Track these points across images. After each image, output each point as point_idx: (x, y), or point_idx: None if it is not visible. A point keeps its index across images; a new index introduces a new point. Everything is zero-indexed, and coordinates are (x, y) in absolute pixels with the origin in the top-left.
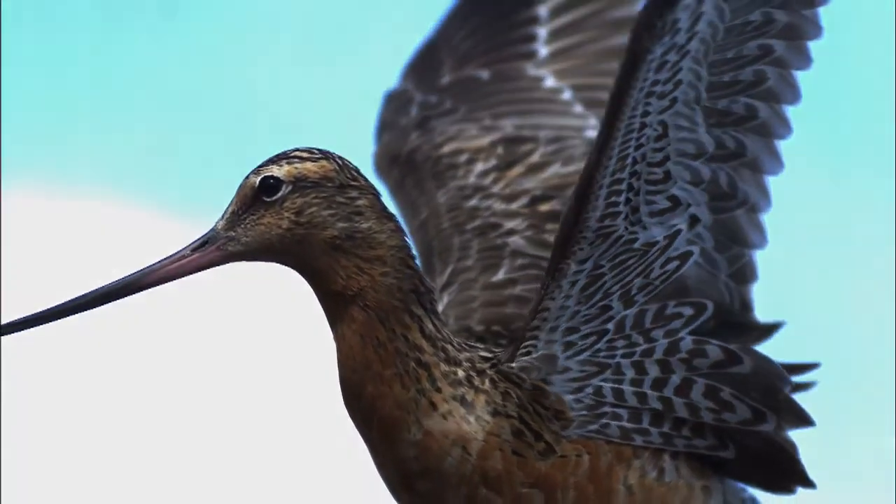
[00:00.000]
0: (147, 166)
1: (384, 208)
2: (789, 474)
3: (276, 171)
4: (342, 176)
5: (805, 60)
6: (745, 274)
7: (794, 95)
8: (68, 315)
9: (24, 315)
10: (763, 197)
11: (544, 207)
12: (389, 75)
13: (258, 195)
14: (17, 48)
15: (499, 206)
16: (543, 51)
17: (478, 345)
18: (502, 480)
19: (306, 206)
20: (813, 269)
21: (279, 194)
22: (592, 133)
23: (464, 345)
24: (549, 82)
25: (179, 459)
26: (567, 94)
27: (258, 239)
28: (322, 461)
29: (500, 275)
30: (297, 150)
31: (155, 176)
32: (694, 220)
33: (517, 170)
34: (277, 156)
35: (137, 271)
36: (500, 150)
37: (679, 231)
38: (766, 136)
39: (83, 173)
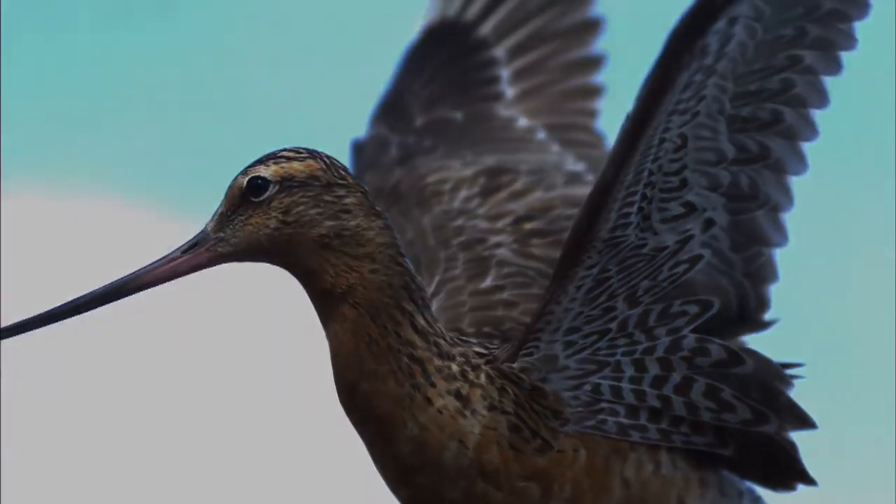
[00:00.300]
0: (147, 166)
1: (372, 206)
2: (789, 472)
3: (264, 171)
4: (329, 174)
5: (835, 67)
6: (763, 273)
7: (821, 100)
8: (61, 319)
9: (19, 320)
10: (785, 197)
11: (528, 226)
12: (389, 76)
13: (246, 196)
14: (17, 48)
15: (483, 224)
16: (510, 91)
17: (471, 339)
18: (500, 474)
19: (293, 206)
20: (814, 268)
21: (266, 194)
22: (572, 167)
23: (456, 339)
24: (522, 122)
25: (178, 460)
26: (541, 134)
27: (247, 239)
28: (320, 460)
29: (488, 282)
30: (285, 149)
31: (155, 176)
32: (709, 223)
33: (500, 195)
34: (265, 156)
35: (128, 274)
36: (482, 179)
37: (692, 236)
38: (791, 139)
39: (83, 173)
